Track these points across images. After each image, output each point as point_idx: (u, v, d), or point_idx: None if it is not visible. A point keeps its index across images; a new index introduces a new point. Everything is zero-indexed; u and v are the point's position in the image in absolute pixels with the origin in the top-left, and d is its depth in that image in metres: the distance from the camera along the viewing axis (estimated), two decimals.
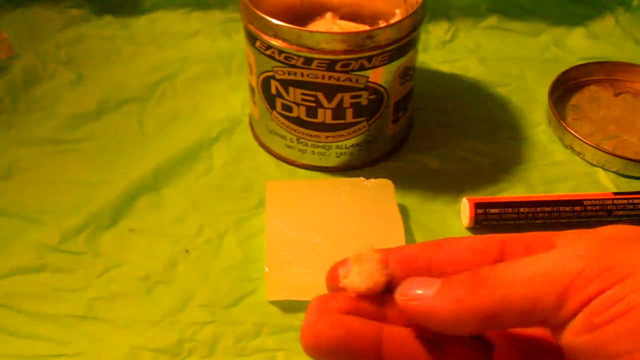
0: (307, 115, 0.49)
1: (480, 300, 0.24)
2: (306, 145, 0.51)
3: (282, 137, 0.52)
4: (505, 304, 0.23)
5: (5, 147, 0.54)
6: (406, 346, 0.27)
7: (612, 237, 0.24)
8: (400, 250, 0.29)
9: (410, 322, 0.27)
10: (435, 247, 0.28)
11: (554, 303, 0.23)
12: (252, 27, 0.47)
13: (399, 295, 0.26)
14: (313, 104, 0.48)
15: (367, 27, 0.55)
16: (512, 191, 0.51)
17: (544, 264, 0.23)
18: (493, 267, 0.25)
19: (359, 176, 0.49)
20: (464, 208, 0.48)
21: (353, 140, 0.51)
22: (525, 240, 0.27)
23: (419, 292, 0.26)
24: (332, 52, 0.45)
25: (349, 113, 0.49)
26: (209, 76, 0.62)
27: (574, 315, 0.23)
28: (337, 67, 0.46)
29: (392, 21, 0.50)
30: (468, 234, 0.48)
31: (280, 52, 0.46)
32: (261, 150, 0.55)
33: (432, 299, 0.25)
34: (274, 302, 0.44)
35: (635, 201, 0.48)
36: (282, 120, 0.50)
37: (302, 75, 0.47)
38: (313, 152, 0.52)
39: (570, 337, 0.23)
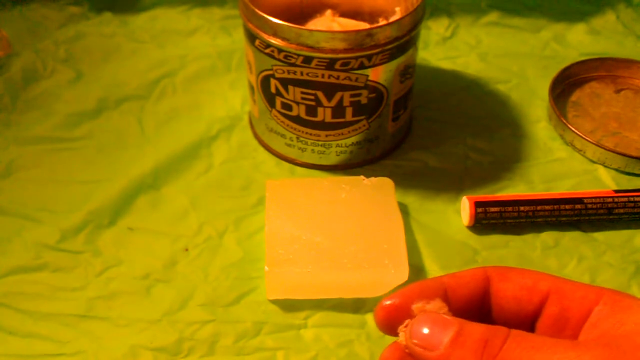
0: (307, 113, 0.49)
1: None
2: (306, 143, 0.51)
3: (282, 135, 0.52)
4: None
5: (5, 145, 0.54)
6: None
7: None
8: (458, 288, 0.29)
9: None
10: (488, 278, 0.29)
11: None
12: (251, 26, 0.47)
13: (409, 336, 0.27)
14: (313, 103, 0.48)
15: (366, 25, 0.55)
16: (513, 189, 0.51)
17: None
18: (505, 340, 0.25)
19: (358, 175, 0.49)
20: (464, 207, 0.48)
21: (353, 139, 0.51)
22: (565, 300, 0.28)
23: (428, 332, 0.26)
24: (332, 50, 0.45)
25: (349, 111, 0.49)
26: (209, 74, 0.62)
27: None
28: (337, 66, 0.46)
29: (392, 19, 0.50)
30: (468, 232, 0.48)
31: (280, 50, 0.46)
32: (261, 148, 0.55)
33: (440, 355, 0.25)
34: (273, 301, 0.44)
35: (636, 199, 0.48)
36: (282, 118, 0.50)
37: (301, 74, 0.46)
38: (313, 151, 0.52)
39: None
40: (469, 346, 0.25)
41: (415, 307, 0.28)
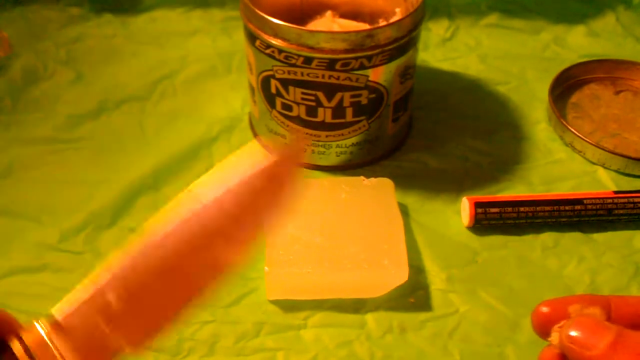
0: (307, 114, 0.49)
1: None
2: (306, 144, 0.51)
3: (282, 136, 0.52)
4: None
5: (5, 146, 0.54)
6: None
7: None
8: (623, 306, 0.28)
9: None
10: None
11: None
12: (252, 26, 0.47)
13: (565, 337, 0.26)
14: (313, 103, 0.48)
15: (367, 26, 0.55)
16: (512, 190, 0.51)
17: None
18: None
19: (359, 175, 0.49)
20: (464, 207, 0.48)
21: (353, 140, 0.51)
22: None
23: (584, 334, 0.25)
24: (332, 51, 0.45)
25: (349, 112, 0.49)
26: (209, 75, 0.62)
27: None
28: (337, 66, 0.46)
29: (392, 20, 0.50)
30: (468, 233, 0.48)
31: (280, 51, 0.46)
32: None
33: (599, 354, 0.25)
34: (273, 302, 0.44)
35: (636, 200, 0.48)
36: (282, 119, 0.50)
37: (302, 74, 0.46)
38: (313, 151, 0.52)
39: None
40: (633, 348, 0.24)
41: (572, 308, 0.27)
